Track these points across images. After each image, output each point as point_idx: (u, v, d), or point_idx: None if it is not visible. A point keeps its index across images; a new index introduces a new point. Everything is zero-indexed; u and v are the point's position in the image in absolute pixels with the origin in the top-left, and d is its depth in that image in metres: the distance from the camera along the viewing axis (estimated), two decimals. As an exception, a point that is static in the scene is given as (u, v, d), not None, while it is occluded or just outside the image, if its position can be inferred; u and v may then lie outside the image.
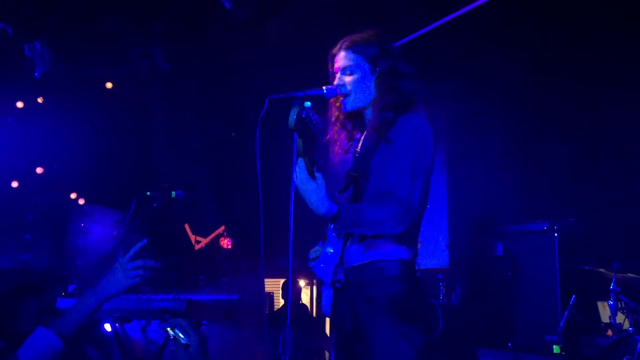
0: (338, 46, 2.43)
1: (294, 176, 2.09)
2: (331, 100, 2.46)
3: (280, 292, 6.53)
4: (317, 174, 2.06)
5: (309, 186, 2.06)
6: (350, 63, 2.37)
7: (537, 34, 4.89)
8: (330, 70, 2.46)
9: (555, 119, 5.25)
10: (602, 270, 4.22)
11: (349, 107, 2.40)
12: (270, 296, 6.65)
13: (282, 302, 6.45)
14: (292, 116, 2.00)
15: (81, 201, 6.05)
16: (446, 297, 5.33)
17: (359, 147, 2.45)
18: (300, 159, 2.07)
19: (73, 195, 6.04)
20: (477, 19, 4.74)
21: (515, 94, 5.48)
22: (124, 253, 2.34)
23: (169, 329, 2.26)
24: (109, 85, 6.12)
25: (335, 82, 2.39)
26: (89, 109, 5.81)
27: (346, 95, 2.38)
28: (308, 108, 2.05)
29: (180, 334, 2.24)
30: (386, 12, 4.45)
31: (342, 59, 2.39)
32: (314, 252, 2.43)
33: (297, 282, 6.07)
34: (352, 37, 2.42)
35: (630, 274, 4.10)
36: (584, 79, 4.98)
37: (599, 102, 4.89)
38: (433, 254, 6.28)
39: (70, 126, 5.72)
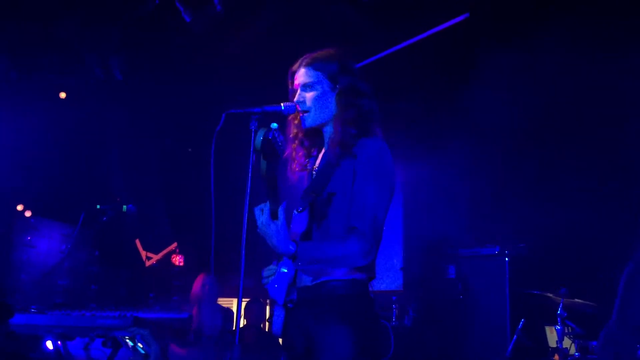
0: (298, 63, 2.44)
1: (257, 218, 2.12)
2: (290, 117, 2.46)
3: (243, 312, 6.39)
4: (279, 214, 2.08)
5: (270, 230, 2.10)
6: (311, 80, 2.37)
7: (491, 61, 5.00)
8: (290, 87, 2.46)
9: (507, 146, 5.36)
10: (550, 295, 4.29)
11: (308, 124, 2.39)
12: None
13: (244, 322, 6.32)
14: (259, 138, 2.00)
15: (28, 213, 5.83)
16: (399, 319, 5.34)
17: (316, 165, 2.44)
18: (267, 202, 2.09)
19: (20, 207, 5.83)
20: (439, 43, 4.82)
21: (469, 119, 5.59)
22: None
23: (127, 338, 2.19)
24: (62, 95, 5.96)
25: (296, 99, 2.38)
26: (39, 118, 5.64)
27: (306, 111, 2.37)
28: (275, 129, 2.08)
29: (139, 344, 2.17)
30: (347, 32, 4.49)
31: (302, 75, 2.39)
32: (268, 270, 2.39)
33: (264, 302, 5.94)
34: (312, 55, 2.43)
35: (577, 300, 4.18)
36: (536, 106, 5.11)
37: (549, 131, 5.02)
38: (387, 276, 6.30)
39: (18, 135, 5.53)
